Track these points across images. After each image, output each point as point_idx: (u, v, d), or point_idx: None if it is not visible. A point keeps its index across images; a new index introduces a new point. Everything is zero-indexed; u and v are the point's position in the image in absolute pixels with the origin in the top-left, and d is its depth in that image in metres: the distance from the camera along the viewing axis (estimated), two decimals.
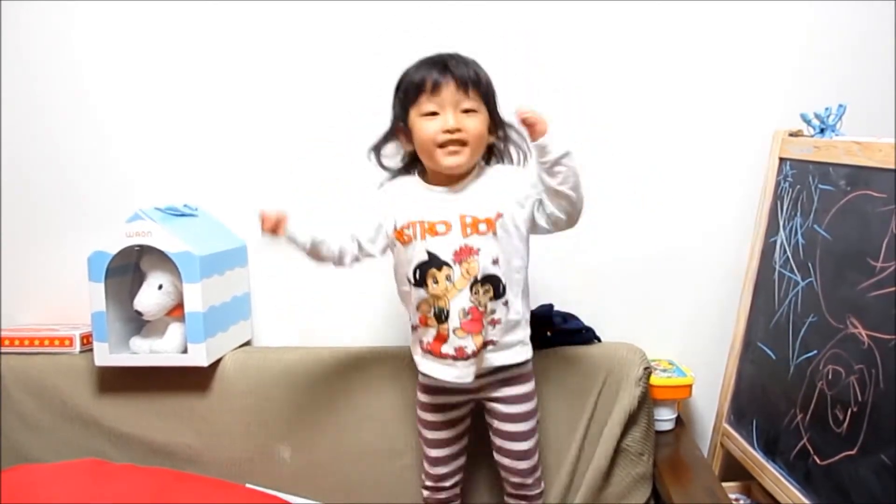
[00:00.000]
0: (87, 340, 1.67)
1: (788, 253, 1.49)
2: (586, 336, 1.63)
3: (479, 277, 1.29)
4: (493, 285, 1.31)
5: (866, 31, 1.64)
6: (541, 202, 1.30)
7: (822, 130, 1.50)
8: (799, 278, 1.44)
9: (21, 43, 1.74)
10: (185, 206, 1.67)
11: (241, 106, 1.73)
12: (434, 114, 1.28)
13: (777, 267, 1.53)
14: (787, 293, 1.48)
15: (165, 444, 1.61)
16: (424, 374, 1.39)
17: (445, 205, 1.31)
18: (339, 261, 1.38)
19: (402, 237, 1.33)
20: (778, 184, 1.58)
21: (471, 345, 1.31)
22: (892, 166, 1.21)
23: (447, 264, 1.29)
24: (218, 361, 1.61)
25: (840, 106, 1.49)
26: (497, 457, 1.43)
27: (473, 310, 1.30)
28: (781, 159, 1.58)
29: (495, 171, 1.37)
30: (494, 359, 1.35)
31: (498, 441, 1.42)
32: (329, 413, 1.59)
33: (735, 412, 1.61)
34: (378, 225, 1.37)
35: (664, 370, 1.67)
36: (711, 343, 1.72)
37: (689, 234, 1.71)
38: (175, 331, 1.58)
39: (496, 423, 1.42)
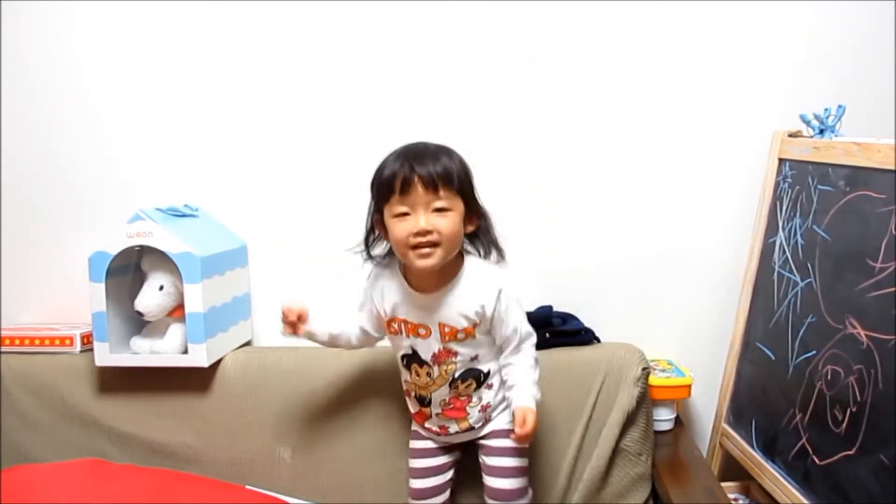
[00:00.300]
0: (87, 340, 1.67)
1: (788, 253, 1.50)
2: (585, 337, 1.63)
3: (456, 376, 1.36)
4: (475, 377, 1.37)
5: (866, 32, 1.64)
6: (499, 338, 1.35)
7: (821, 131, 1.51)
8: (798, 279, 1.44)
9: (21, 43, 1.74)
10: (185, 206, 1.67)
11: (242, 106, 1.73)
12: (406, 214, 1.25)
13: (776, 267, 1.53)
14: (786, 293, 1.48)
15: (165, 444, 1.61)
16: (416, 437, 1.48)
17: (426, 310, 1.33)
18: (358, 347, 1.47)
19: (390, 328, 1.39)
20: (777, 184, 1.58)
21: (454, 427, 1.40)
22: (892, 167, 1.21)
23: (427, 363, 1.36)
24: (218, 362, 1.61)
25: (839, 107, 1.49)
26: (487, 499, 1.42)
27: (454, 400, 1.38)
28: (781, 160, 1.58)
29: (471, 269, 1.34)
30: (486, 427, 1.42)
31: (486, 479, 1.42)
32: (329, 413, 1.59)
33: (734, 412, 1.62)
34: (375, 314, 1.40)
35: (663, 370, 1.67)
36: (710, 343, 1.72)
37: (689, 235, 1.71)
38: (175, 331, 1.59)
39: (484, 459, 1.42)
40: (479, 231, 1.36)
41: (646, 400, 1.56)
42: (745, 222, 1.66)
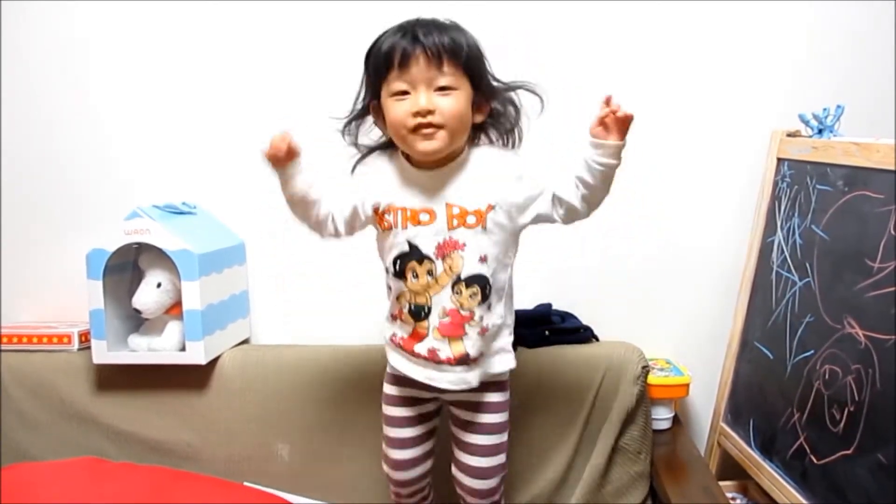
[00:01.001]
0: (85, 338, 1.67)
1: (786, 253, 1.50)
2: (584, 335, 1.63)
3: (461, 276, 1.17)
4: (480, 286, 1.18)
5: (865, 32, 1.64)
6: (557, 197, 1.19)
7: (820, 131, 1.51)
8: (796, 278, 1.44)
9: (21, 43, 1.73)
10: (183, 203, 1.67)
11: (240, 104, 1.73)
12: (405, 93, 1.12)
13: (775, 267, 1.54)
14: (784, 293, 1.48)
15: (164, 441, 1.61)
16: (393, 367, 1.29)
17: (430, 192, 1.18)
18: (316, 228, 1.24)
19: (381, 222, 1.21)
20: (776, 184, 1.58)
21: (446, 350, 1.20)
22: (890, 167, 1.21)
23: (429, 258, 1.18)
24: (216, 359, 1.61)
25: (838, 106, 1.49)
26: (455, 473, 1.30)
27: (453, 312, 1.19)
28: (779, 159, 1.58)
29: (485, 153, 1.21)
30: (479, 372, 1.24)
31: (457, 454, 1.29)
32: (327, 411, 1.59)
33: (732, 411, 1.62)
34: (354, 206, 1.22)
35: (662, 369, 1.67)
36: (709, 342, 1.73)
37: (687, 234, 1.72)
38: (173, 329, 1.58)
39: (458, 433, 1.29)
40: (490, 121, 1.21)
41: (645, 398, 1.56)
42: (744, 222, 1.66)
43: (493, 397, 1.28)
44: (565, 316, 1.66)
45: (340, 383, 1.60)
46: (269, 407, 1.60)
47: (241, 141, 1.74)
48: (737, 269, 1.66)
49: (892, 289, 1.16)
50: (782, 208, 1.54)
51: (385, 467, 1.34)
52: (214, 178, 1.76)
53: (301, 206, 1.22)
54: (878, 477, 1.14)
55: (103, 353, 1.57)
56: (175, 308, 1.59)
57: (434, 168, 1.19)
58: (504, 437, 1.30)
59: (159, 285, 1.57)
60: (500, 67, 1.67)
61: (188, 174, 1.76)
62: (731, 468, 1.60)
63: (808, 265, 1.41)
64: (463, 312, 1.19)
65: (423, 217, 1.17)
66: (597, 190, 1.17)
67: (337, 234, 1.25)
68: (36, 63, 1.74)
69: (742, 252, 1.66)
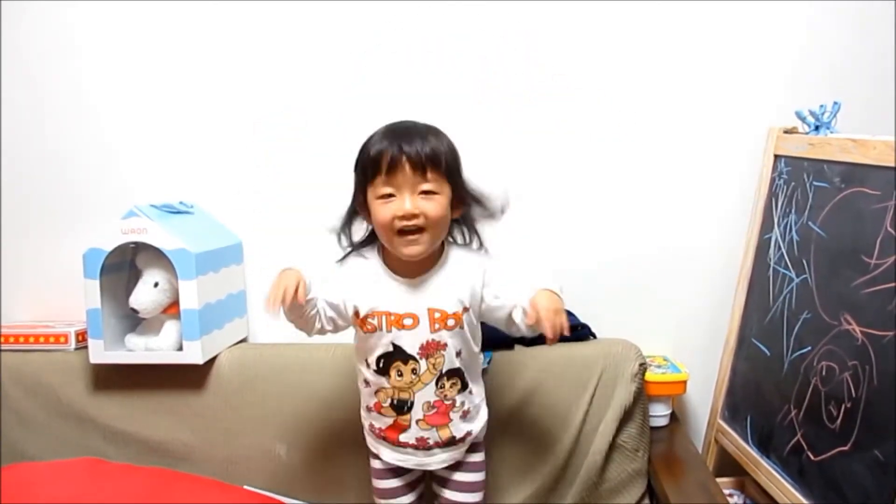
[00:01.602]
0: (82, 337, 1.67)
1: (783, 249, 1.50)
2: (582, 332, 1.63)
3: (443, 371, 1.27)
4: (459, 378, 1.29)
5: (862, 29, 1.64)
6: (507, 312, 1.26)
7: (816, 128, 1.51)
8: (793, 275, 1.45)
9: (20, 41, 1.73)
10: (180, 203, 1.67)
11: (238, 104, 1.72)
12: (391, 196, 1.19)
13: (772, 263, 1.54)
14: (781, 290, 1.48)
15: (161, 441, 1.61)
16: (380, 458, 1.37)
17: (411, 296, 1.25)
18: (304, 328, 1.29)
19: (364, 325, 1.27)
20: (773, 181, 1.58)
21: (434, 436, 1.30)
22: (887, 164, 1.21)
23: (413, 358, 1.25)
24: (213, 359, 1.61)
25: (835, 103, 1.49)
26: None
27: (439, 403, 1.28)
28: (776, 156, 1.58)
29: (456, 255, 1.29)
30: (461, 449, 1.35)
31: None
32: (325, 410, 1.59)
33: (729, 408, 1.62)
34: (337, 305, 1.28)
35: (659, 366, 1.68)
36: (706, 339, 1.73)
37: (685, 231, 1.72)
38: (170, 328, 1.58)
39: (445, 493, 1.37)
40: (462, 218, 1.29)
41: (642, 396, 1.56)
42: (741, 219, 1.66)
43: (472, 457, 1.38)
44: None
45: (338, 382, 1.59)
46: (267, 406, 1.60)
47: (238, 140, 1.74)
48: (734, 265, 1.67)
49: (889, 285, 1.16)
50: (779, 205, 1.54)
51: None
52: (212, 178, 1.75)
53: (304, 323, 1.28)
54: (874, 473, 1.14)
55: (100, 353, 1.57)
56: (172, 307, 1.59)
57: (414, 276, 1.26)
58: (480, 497, 1.38)
59: (156, 285, 1.57)
60: (500, 67, 1.68)
61: (185, 173, 1.75)
62: (729, 465, 1.61)
63: (805, 262, 1.41)
64: (447, 402, 1.29)
65: (407, 321, 1.25)
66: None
67: (323, 332, 1.31)
68: (33, 62, 1.74)
69: (739, 249, 1.66)
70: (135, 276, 1.61)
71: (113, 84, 1.73)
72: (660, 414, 1.67)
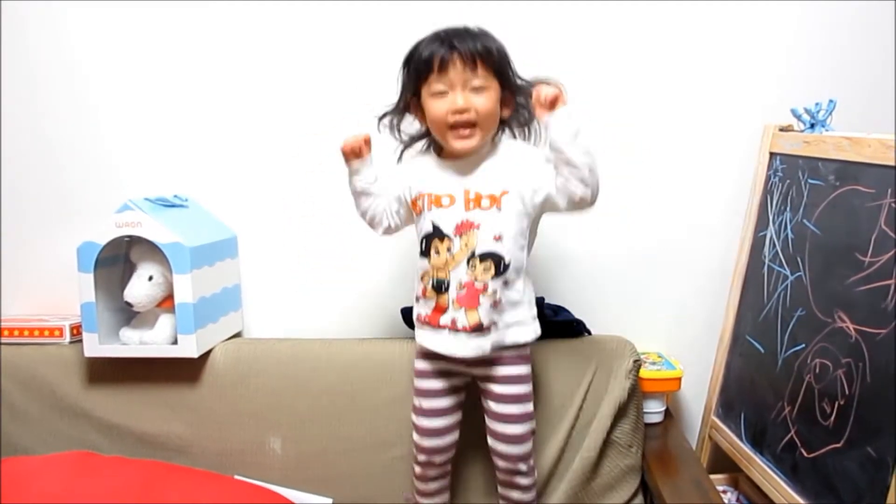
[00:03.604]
0: (76, 331, 1.67)
1: (778, 247, 1.50)
2: (577, 328, 1.63)
3: (476, 252, 1.30)
4: (495, 262, 1.30)
5: (857, 26, 1.64)
6: (556, 184, 1.29)
7: (811, 125, 1.51)
8: (788, 272, 1.45)
9: (13, 35, 1.72)
10: (175, 196, 1.66)
11: (233, 97, 1.72)
12: (444, 93, 1.28)
13: (766, 261, 1.54)
14: (775, 287, 1.49)
15: (155, 435, 1.61)
16: (420, 343, 1.39)
17: (453, 179, 1.34)
18: (372, 223, 1.44)
19: (415, 207, 1.37)
20: (768, 178, 1.59)
21: (463, 319, 1.31)
22: (881, 162, 1.22)
23: (448, 236, 1.32)
24: (208, 353, 1.61)
25: (830, 101, 1.49)
26: (490, 441, 1.39)
27: (469, 284, 1.30)
28: (771, 154, 1.59)
29: (509, 147, 1.37)
30: (493, 339, 1.33)
31: (491, 424, 1.39)
32: (319, 404, 1.59)
33: (723, 405, 1.63)
34: (399, 196, 1.40)
35: (653, 363, 1.68)
36: (700, 336, 1.73)
37: (680, 228, 1.72)
38: (165, 322, 1.58)
39: (490, 405, 1.39)
40: (513, 115, 1.37)
41: (637, 392, 1.56)
42: (736, 216, 1.67)
43: (515, 370, 1.38)
44: (558, 309, 1.66)
45: (332, 377, 1.59)
46: (262, 400, 1.60)
47: (233, 134, 1.73)
48: (729, 263, 1.67)
49: (883, 283, 1.16)
50: (774, 202, 1.54)
51: (415, 436, 1.43)
52: (207, 171, 1.75)
53: (363, 198, 1.42)
54: (867, 470, 1.15)
55: (95, 347, 1.56)
56: (167, 301, 1.58)
57: (459, 158, 1.34)
58: (529, 407, 1.39)
59: (151, 278, 1.56)
60: None
61: (180, 167, 1.75)
62: (722, 461, 1.61)
63: (799, 259, 1.42)
64: (477, 285, 1.31)
65: (445, 201, 1.33)
66: (573, 164, 1.26)
67: (391, 229, 1.43)
68: (26, 56, 1.73)
69: (734, 246, 1.66)
70: (129, 270, 1.60)
71: (108, 78, 1.73)
72: (654, 410, 1.67)
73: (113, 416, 1.62)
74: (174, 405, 1.61)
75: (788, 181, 1.50)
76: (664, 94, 1.68)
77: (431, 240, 1.33)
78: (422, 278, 1.35)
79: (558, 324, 1.61)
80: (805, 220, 1.42)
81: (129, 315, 1.63)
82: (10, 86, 1.74)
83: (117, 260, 1.62)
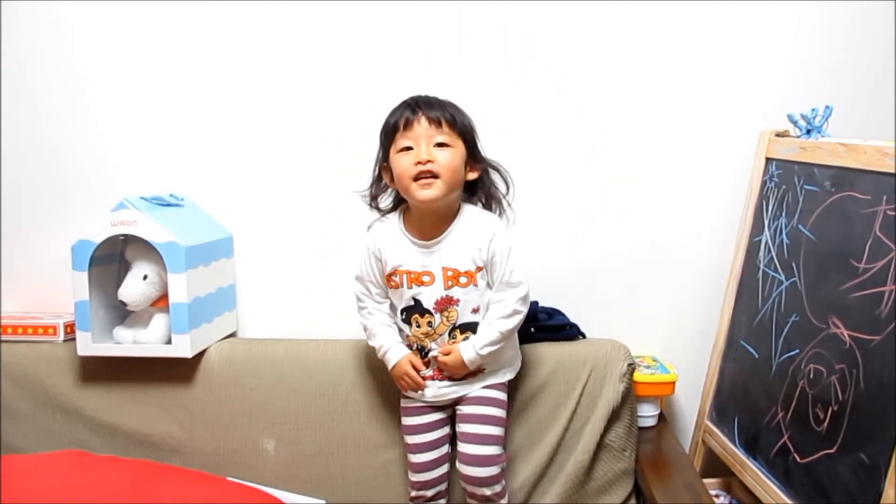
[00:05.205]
0: (70, 329, 1.66)
1: (773, 252, 1.50)
2: (571, 332, 1.63)
3: (457, 324, 1.39)
4: (473, 332, 1.40)
5: (854, 33, 1.65)
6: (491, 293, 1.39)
7: (808, 131, 1.51)
8: (783, 278, 1.45)
9: (12, 35, 1.72)
10: (171, 195, 1.66)
11: (229, 97, 1.72)
12: (409, 149, 1.32)
13: (761, 266, 1.54)
14: (770, 292, 1.49)
15: (149, 434, 1.61)
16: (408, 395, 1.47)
17: (428, 258, 1.38)
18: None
19: (390, 282, 1.41)
20: (764, 183, 1.59)
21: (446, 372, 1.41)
22: (877, 168, 1.22)
23: (430, 311, 1.39)
24: (202, 353, 1.61)
25: (826, 107, 1.50)
26: (458, 465, 1.41)
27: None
28: (768, 159, 1.59)
29: (471, 214, 1.40)
30: (476, 380, 1.43)
31: (460, 446, 1.41)
32: (313, 405, 1.59)
33: (717, 409, 1.63)
34: (378, 271, 1.42)
35: (648, 367, 1.68)
36: (695, 341, 1.73)
37: (675, 233, 1.72)
38: (159, 321, 1.58)
39: (460, 426, 1.42)
40: (480, 181, 1.41)
41: (630, 396, 1.56)
42: (731, 221, 1.67)
43: (489, 392, 1.44)
44: (552, 313, 1.66)
45: (327, 378, 1.59)
46: (255, 401, 1.60)
47: (230, 133, 1.73)
48: (724, 267, 1.67)
49: (877, 289, 1.16)
50: (770, 208, 1.55)
51: (410, 473, 1.47)
52: (203, 171, 1.75)
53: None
54: (859, 476, 1.15)
55: (88, 345, 1.56)
56: (161, 300, 1.58)
57: (430, 238, 1.38)
58: (499, 431, 1.42)
59: (145, 277, 1.56)
60: (500, 67, 1.68)
61: (176, 166, 1.75)
62: (715, 466, 1.61)
63: (794, 265, 1.42)
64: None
65: (425, 279, 1.38)
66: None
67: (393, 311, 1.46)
68: (23, 54, 1.73)
69: (729, 251, 1.66)
70: (124, 269, 1.60)
71: (104, 77, 1.73)
72: (648, 414, 1.67)
73: (106, 415, 1.62)
74: (167, 405, 1.61)
75: (784, 187, 1.50)
76: (661, 99, 1.68)
77: (412, 313, 1.40)
78: (406, 337, 1.43)
79: (552, 327, 1.62)
80: (800, 226, 1.42)
81: (123, 314, 1.63)
82: (7, 85, 1.74)
83: (112, 258, 1.62)
